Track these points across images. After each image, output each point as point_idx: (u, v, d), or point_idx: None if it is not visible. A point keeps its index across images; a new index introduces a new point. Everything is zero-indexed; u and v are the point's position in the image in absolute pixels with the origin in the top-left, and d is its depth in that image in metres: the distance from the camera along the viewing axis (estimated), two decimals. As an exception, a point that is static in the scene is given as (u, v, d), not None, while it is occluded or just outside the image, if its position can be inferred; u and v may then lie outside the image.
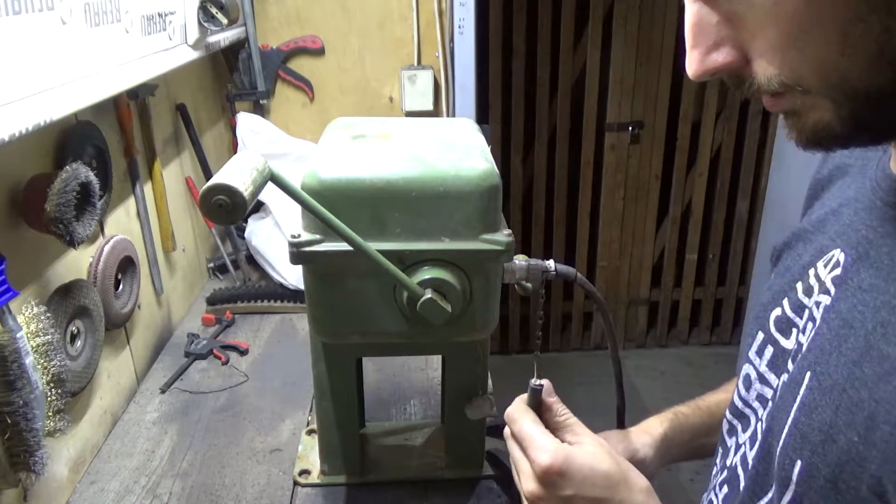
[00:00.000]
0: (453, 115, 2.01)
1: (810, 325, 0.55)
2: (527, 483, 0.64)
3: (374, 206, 0.79)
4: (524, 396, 0.71)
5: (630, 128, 2.96)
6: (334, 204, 0.76)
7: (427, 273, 0.80)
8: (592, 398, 3.06)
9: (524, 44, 2.83)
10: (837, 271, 0.54)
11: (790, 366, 0.57)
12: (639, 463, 0.78)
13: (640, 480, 0.64)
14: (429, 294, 0.79)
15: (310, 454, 1.08)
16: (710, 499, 0.67)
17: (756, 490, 0.58)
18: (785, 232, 0.68)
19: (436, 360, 1.33)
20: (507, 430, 0.70)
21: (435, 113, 2.01)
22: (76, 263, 1.08)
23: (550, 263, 0.89)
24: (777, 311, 0.62)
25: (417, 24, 1.94)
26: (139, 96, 1.31)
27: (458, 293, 0.80)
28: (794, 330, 0.58)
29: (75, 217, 0.94)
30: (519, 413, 0.68)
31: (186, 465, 1.08)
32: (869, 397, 0.45)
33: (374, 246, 0.76)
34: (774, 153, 3.01)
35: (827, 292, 0.54)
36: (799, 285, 0.59)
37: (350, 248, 0.76)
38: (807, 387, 0.51)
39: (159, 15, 1.19)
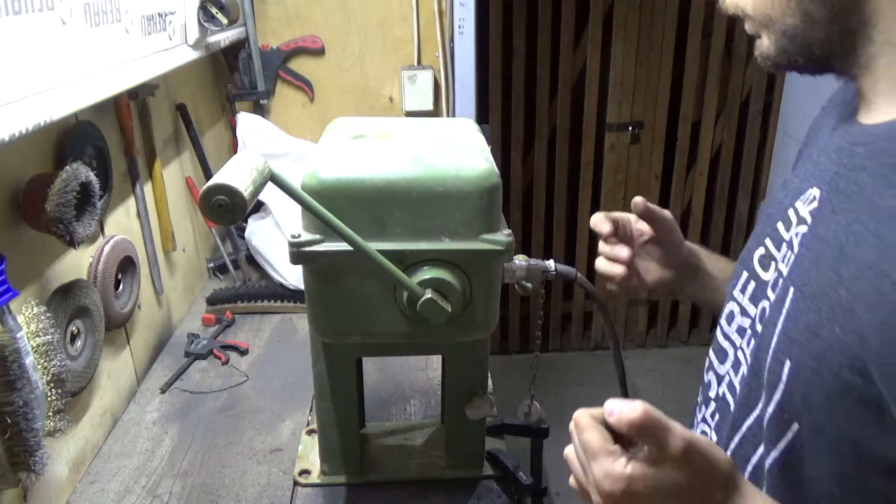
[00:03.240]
0: (453, 115, 2.01)
1: (790, 253, 0.63)
2: (593, 493, 0.57)
3: (374, 206, 0.79)
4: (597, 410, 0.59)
5: (630, 128, 2.95)
6: (334, 204, 0.76)
7: (427, 273, 0.80)
8: (592, 398, 3.07)
9: (524, 44, 2.83)
10: (814, 204, 0.62)
11: (769, 293, 0.65)
12: (669, 228, 0.88)
13: (717, 475, 0.55)
14: (429, 294, 0.79)
15: (310, 454, 1.08)
16: (703, 430, 0.71)
17: (747, 405, 0.63)
18: None
19: (436, 360, 1.33)
20: (571, 426, 0.61)
21: (435, 113, 2.01)
22: (76, 263, 1.08)
23: (550, 263, 0.89)
24: (760, 251, 0.70)
25: (417, 24, 1.94)
26: (139, 96, 1.31)
27: (458, 293, 0.80)
28: (773, 262, 0.67)
29: (75, 217, 0.94)
30: (588, 423, 0.58)
31: (186, 465, 1.08)
32: (847, 294, 0.53)
33: (374, 246, 0.76)
34: (774, 153, 3.01)
35: (804, 222, 0.63)
36: (780, 224, 0.68)
37: (350, 248, 0.76)
38: (791, 299, 0.59)
39: (159, 15, 1.19)
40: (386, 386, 1.29)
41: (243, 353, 1.39)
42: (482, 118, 2.40)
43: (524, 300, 3.18)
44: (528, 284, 0.89)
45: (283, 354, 1.40)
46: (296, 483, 1.04)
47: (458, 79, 1.96)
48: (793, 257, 0.62)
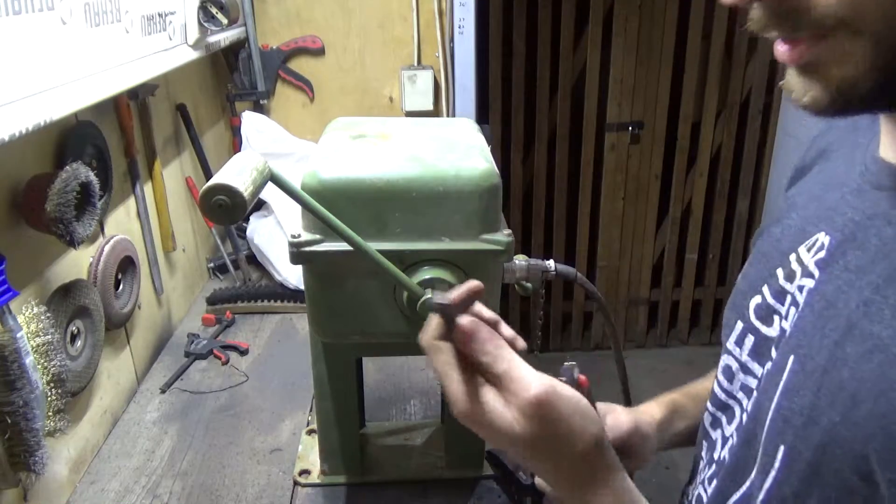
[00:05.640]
0: (453, 115, 2.01)
1: (793, 309, 0.54)
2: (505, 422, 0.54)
3: (374, 206, 0.79)
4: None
5: (630, 128, 2.96)
6: (334, 204, 0.76)
7: (427, 273, 0.80)
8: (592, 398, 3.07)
9: (524, 44, 2.83)
10: (822, 254, 0.52)
11: (774, 353, 0.55)
12: (641, 440, 0.77)
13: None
14: (429, 294, 0.79)
15: (310, 454, 1.08)
16: (699, 493, 0.66)
17: (736, 478, 0.56)
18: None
19: (436, 360, 1.33)
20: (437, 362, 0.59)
21: (435, 113, 2.01)
22: (76, 263, 1.08)
23: (550, 263, 0.89)
24: (757, 299, 0.60)
25: (417, 24, 1.94)
26: (139, 96, 1.31)
27: (458, 293, 0.80)
28: (776, 317, 0.56)
29: (75, 217, 0.94)
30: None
31: (186, 465, 1.08)
32: (850, 376, 0.44)
33: (374, 246, 0.76)
34: (774, 153, 3.01)
35: (811, 276, 0.52)
36: (780, 271, 0.57)
37: (350, 248, 0.76)
38: (790, 370, 0.50)
39: (159, 15, 1.19)
40: (386, 386, 1.29)
41: (243, 353, 1.39)
42: (482, 118, 2.40)
43: (524, 300, 3.18)
44: (528, 284, 0.89)
45: (283, 354, 1.40)
46: (296, 483, 1.04)
47: (458, 79, 1.96)
48: (796, 316, 0.52)
